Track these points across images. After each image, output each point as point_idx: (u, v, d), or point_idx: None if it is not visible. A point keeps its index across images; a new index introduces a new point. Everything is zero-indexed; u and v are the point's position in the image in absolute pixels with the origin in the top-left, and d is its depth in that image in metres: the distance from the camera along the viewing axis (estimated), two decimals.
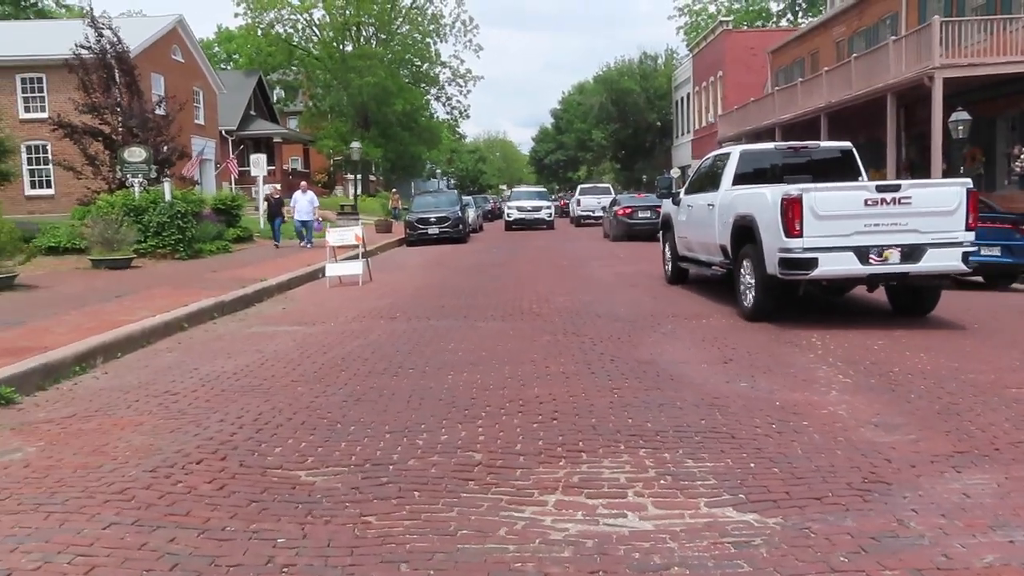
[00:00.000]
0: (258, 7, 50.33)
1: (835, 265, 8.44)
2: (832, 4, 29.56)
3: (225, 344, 8.52)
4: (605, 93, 59.76)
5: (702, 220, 11.08)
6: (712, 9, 62.04)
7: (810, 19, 58.15)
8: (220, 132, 39.59)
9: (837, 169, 10.53)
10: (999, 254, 11.53)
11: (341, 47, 53.46)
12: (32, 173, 28.30)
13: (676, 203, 12.70)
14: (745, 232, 9.39)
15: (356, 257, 15.25)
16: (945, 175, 17.90)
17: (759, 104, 29.92)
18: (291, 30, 53.14)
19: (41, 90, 28.04)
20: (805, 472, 4.20)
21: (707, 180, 11.52)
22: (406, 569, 3.23)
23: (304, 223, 21.96)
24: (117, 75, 20.24)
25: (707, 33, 47.03)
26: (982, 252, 11.31)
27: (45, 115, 27.10)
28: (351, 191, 61.99)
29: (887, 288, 9.61)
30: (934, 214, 8.39)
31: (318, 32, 53.97)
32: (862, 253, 8.39)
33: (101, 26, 20.19)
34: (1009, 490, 3.91)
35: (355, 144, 34.06)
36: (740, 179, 10.47)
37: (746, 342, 7.87)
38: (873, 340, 7.74)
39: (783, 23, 57.60)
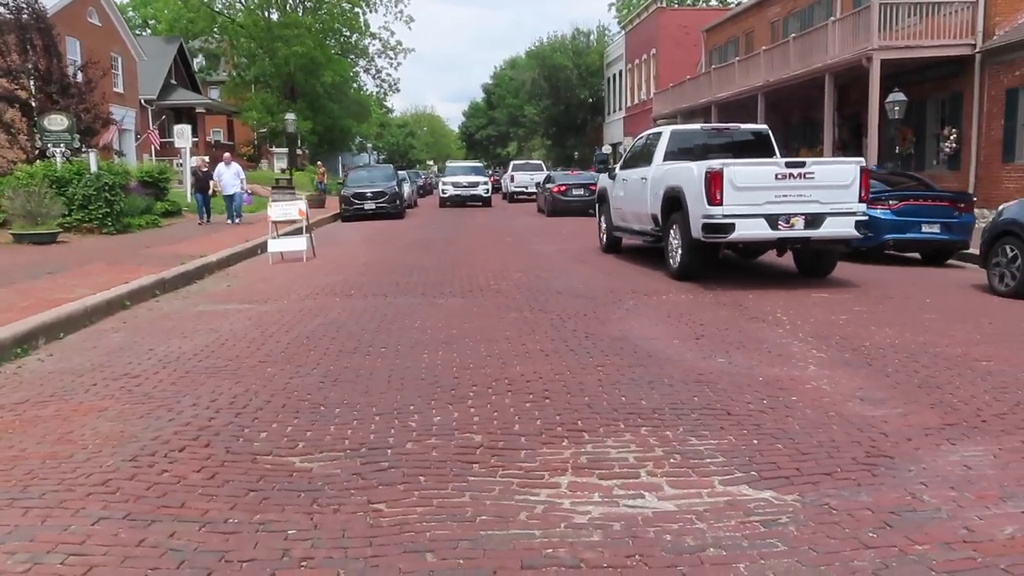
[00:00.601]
0: None
1: (750, 230, 9.64)
2: None
3: (175, 323, 8.10)
4: (538, 68, 59.58)
5: (636, 193, 12.10)
6: None
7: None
8: (140, 101, 37.75)
9: (755, 148, 11.74)
10: (939, 231, 11.93)
11: (267, 15, 51.53)
12: None
13: (612, 177, 13.57)
14: (674, 202, 10.47)
15: (298, 232, 14.81)
16: (879, 155, 18.52)
17: (695, 82, 30.26)
18: None
19: None
20: (809, 447, 4.22)
21: (640, 157, 12.49)
22: (433, 559, 3.08)
23: (230, 197, 20.39)
24: (34, 37, 18.89)
25: (641, 11, 47.20)
26: (923, 229, 11.75)
27: None
28: (276, 165, 60.33)
29: (793, 252, 10.86)
30: (833, 187, 9.60)
31: None
32: (772, 220, 9.57)
33: None
34: (1007, 461, 4.01)
35: (289, 115, 33.07)
36: (670, 155, 11.52)
37: (712, 318, 7.93)
38: (836, 315, 7.90)
39: (713, 2, 58.36)
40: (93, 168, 16.22)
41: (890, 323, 7.49)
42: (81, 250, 13.69)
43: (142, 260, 12.31)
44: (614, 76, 52.88)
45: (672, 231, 10.54)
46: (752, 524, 3.33)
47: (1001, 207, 9.91)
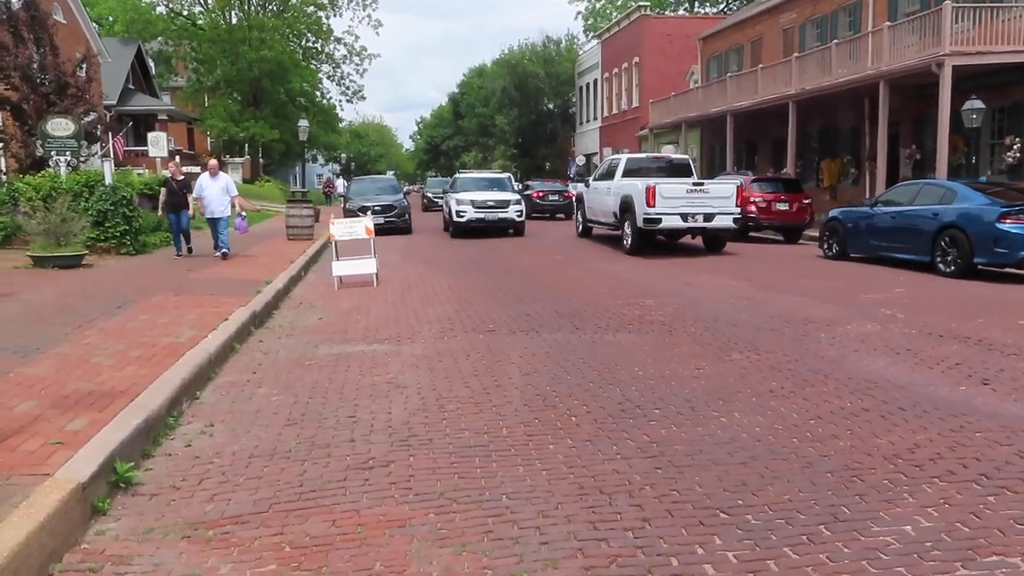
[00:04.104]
0: None
1: (671, 222, 15.45)
2: None
3: (323, 375, 6.57)
4: (508, 76, 58.38)
5: (604, 197, 17.98)
6: None
7: (708, 9, 59.33)
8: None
9: (680, 171, 17.89)
10: None
11: (228, 18, 49.08)
12: None
13: (587, 186, 19.86)
14: (627, 204, 16.15)
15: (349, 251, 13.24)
16: (918, 164, 17.91)
17: (705, 91, 29.49)
18: None
19: None
20: None
21: (607, 174, 18.59)
22: None
23: (215, 221, 14.61)
24: (24, 31, 16.71)
25: (621, 19, 46.43)
26: None
27: None
28: (233, 176, 57.65)
29: (702, 236, 16.64)
30: (721, 197, 15.54)
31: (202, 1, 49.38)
32: (684, 216, 15.40)
33: None
34: None
35: (303, 122, 31.46)
36: (627, 173, 17.49)
37: (950, 354, 6.87)
38: None
39: (680, 12, 58.19)
40: (108, 180, 14.25)
41: None
42: (118, 275, 11.84)
43: (202, 288, 10.66)
44: (587, 85, 52.01)
45: (626, 223, 16.22)
46: None
47: None
